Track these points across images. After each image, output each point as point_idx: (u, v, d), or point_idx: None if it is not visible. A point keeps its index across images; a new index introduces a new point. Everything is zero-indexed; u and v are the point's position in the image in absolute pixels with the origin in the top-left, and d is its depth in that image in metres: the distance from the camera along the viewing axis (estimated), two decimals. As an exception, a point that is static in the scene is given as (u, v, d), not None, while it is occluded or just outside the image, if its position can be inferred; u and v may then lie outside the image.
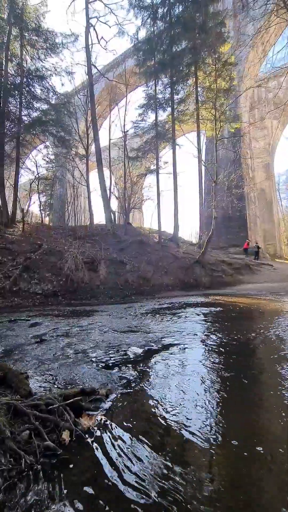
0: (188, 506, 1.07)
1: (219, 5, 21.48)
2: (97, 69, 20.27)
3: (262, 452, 1.39)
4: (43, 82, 17.34)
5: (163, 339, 3.70)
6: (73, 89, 21.22)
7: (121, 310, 6.75)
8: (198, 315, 5.60)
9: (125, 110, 19.71)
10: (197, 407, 1.83)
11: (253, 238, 22.03)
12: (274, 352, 3.11)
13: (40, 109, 17.58)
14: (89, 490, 1.17)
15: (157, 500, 1.10)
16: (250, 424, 1.68)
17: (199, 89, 16.18)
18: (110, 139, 21.02)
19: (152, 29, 17.07)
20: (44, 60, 17.63)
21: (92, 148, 19.82)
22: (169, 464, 1.30)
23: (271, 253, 24.84)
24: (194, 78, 16.18)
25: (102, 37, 18.97)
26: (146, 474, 1.24)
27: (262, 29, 16.49)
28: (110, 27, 19.24)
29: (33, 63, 17.32)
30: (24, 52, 16.47)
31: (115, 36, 19.24)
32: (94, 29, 18.45)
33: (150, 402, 1.96)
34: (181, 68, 16.10)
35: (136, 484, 1.18)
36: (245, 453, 1.38)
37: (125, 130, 19.78)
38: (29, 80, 16.85)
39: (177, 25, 16.03)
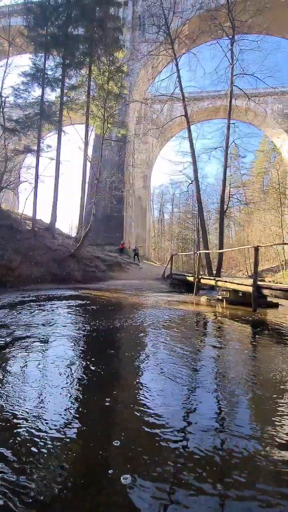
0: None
1: (120, 12, 22.32)
2: (-29, 5, 16.21)
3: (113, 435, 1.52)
4: None
5: (15, 332, 3.38)
6: None
7: None
8: (64, 308, 5.51)
9: (5, 72, 16.70)
10: (48, 393, 1.78)
11: (127, 239, 24.07)
12: (130, 339, 3.50)
13: None
14: None
15: None
16: (104, 409, 1.80)
17: (92, 83, 16.03)
18: (-19, 99, 17.17)
19: (49, -3, 15.42)
20: None
21: None
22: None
23: (140, 255, 28.02)
24: (88, 70, 15.90)
25: None
26: None
27: (153, 53, 18.44)
28: None
29: None
30: None
31: (0, -22, 15.99)
32: None
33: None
34: (75, 53, 15.41)
35: None
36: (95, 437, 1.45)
37: (5, 96, 16.75)
38: None
39: (76, 7, 15.27)
